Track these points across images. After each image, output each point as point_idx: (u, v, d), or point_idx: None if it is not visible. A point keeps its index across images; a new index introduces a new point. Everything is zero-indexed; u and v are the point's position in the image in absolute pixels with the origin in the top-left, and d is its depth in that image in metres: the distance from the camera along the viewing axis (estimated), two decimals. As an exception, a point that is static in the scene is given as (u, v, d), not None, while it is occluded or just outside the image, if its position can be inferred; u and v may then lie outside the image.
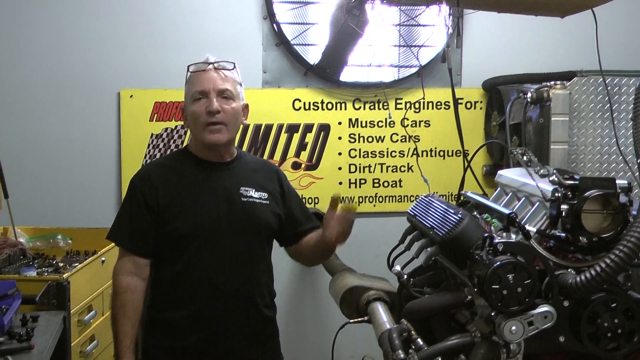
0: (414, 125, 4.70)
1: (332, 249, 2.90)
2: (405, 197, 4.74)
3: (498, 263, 1.86)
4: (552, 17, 3.33)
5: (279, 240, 3.08)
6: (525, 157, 2.18)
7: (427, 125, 4.70)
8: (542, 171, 2.08)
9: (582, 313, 1.92)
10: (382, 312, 3.16)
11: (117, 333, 2.74)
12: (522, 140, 4.06)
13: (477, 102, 4.72)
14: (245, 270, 2.85)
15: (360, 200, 4.69)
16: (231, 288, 2.82)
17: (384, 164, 4.71)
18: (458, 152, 4.71)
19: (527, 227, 2.06)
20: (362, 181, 4.70)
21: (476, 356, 1.92)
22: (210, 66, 2.87)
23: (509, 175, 2.51)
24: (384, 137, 4.69)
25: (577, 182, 1.98)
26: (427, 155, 4.73)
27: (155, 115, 4.41)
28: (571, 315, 1.94)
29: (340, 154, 4.66)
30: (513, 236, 2.08)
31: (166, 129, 4.43)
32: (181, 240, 2.79)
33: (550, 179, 2.02)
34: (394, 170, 4.72)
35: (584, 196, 1.95)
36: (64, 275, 2.79)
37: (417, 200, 2.46)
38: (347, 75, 4.58)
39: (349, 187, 4.67)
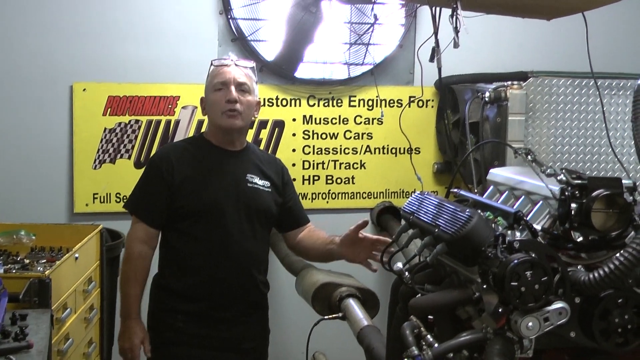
0: (367, 122, 4.74)
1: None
2: (358, 194, 4.78)
3: (516, 261, 1.89)
4: (512, 18, 3.41)
5: (278, 227, 3.47)
6: (529, 157, 2.22)
7: (379, 122, 4.74)
8: (548, 171, 2.13)
9: (592, 309, 1.97)
10: (357, 309, 3.19)
11: (128, 295, 3.12)
12: (479, 139, 4.14)
13: (429, 100, 4.78)
14: (246, 248, 3.20)
15: (314, 197, 4.70)
16: (232, 263, 3.16)
17: (338, 160, 4.74)
18: (409, 149, 4.76)
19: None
20: (316, 178, 4.71)
21: (492, 352, 1.95)
22: (231, 62, 3.24)
23: (504, 173, 2.55)
24: (338, 134, 4.72)
25: (585, 181, 2.03)
26: (379, 153, 4.78)
27: (109, 109, 4.33)
28: (581, 312, 1.98)
29: (294, 150, 4.66)
30: (517, 234, 2.12)
31: (120, 124, 4.36)
32: (190, 216, 3.15)
33: (559, 178, 2.07)
34: (347, 167, 4.76)
35: (593, 195, 2.00)
36: (46, 272, 2.71)
37: (412, 197, 2.47)
38: (302, 72, 4.58)
39: (303, 183, 4.68)
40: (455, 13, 2.61)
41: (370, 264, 3.25)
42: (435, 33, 2.84)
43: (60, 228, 3.60)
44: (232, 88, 3.17)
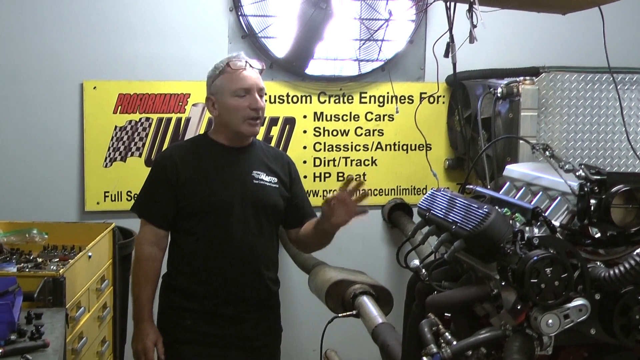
0: (377, 119, 4.72)
1: (334, 232, 3.14)
2: (369, 191, 4.70)
3: (536, 257, 1.87)
4: (523, 13, 3.39)
5: (284, 223, 3.38)
6: (547, 152, 2.20)
7: (390, 119, 4.73)
8: (567, 166, 2.11)
9: (612, 306, 1.95)
10: (371, 306, 3.19)
11: (140, 297, 3.10)
12: (492, 135, 4.12)
13: (440, 96, 4.76)
14: (254, 245, 3.16)
15: (325, 194, 4.67)
16: (240, 260, 3.13)
17: (349, 157, 4.72)
18: (421, 146, 4.73)
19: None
20: (327, 175, 4.70)
21: (511, 349, 1.93)
22: (248, 65, 3.15)
23: (520, 169, 2.53)
24: (349, 130, 4.70)
25: (604, 177, 2.01)
26: (390, 149, 4.77)
27: (119, 107, 4.32)
28: (601, 308, 1.97)
29: (305, 147, 4.65)
30: (536, 230, 2.10)
31: (130, 122, 4.35)
32: (195, 215, 3.13)
33: (577, 173, 2.05)
34: (358, 164, 4.74)
35: (612, 191, 1.98)
36: (61, 271, 2.71)
37: (428, 194, 2.46)
38: (313, 68, 4.57)
39: (314, 180, 4.67)
40: (472, 8, 2.59)
41: (361, 213, 3.11)
42: (450, 29, 2.83)
43: (72, 226, 3.61)
44: (257, 96, 3.12)
